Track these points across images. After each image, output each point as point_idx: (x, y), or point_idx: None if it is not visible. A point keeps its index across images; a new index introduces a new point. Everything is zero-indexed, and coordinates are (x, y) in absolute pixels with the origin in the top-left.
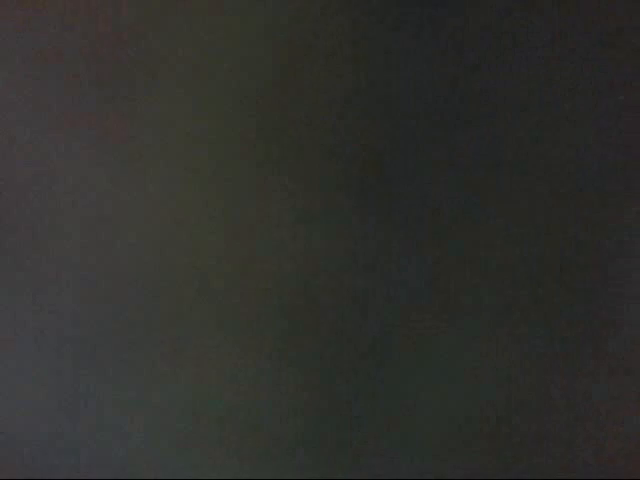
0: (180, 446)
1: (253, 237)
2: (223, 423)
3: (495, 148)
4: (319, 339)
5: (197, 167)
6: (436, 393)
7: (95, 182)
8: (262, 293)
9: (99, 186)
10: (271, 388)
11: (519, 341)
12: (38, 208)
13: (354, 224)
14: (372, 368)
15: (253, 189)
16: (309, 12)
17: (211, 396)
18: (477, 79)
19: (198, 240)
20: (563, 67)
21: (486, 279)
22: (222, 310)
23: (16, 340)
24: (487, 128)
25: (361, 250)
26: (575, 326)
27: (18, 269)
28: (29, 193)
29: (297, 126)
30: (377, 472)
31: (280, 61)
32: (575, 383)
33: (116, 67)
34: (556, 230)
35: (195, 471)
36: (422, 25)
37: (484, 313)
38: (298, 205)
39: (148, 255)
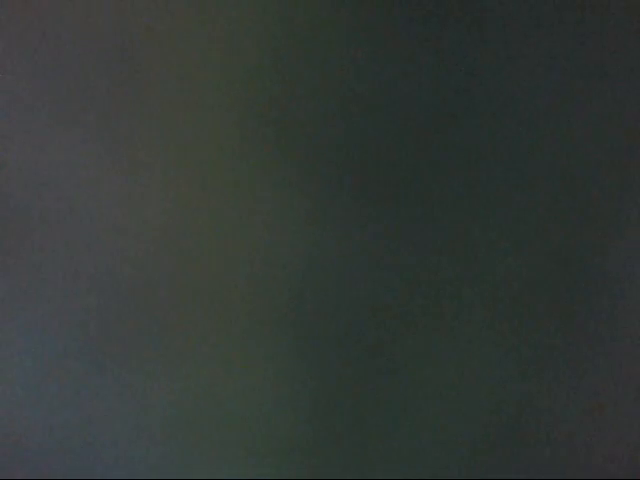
0: (180, 446)
1: (254, 237)
2: (223, 423)
3: (494, 148)
4: (320, 339)
5: (198, 167)
6: (437, 393)
7: (95, 182)
8: (262, 293)
9: (99, 186)
10: (271, 388)
11: (519, 342)
12: (38, 208)
13: (355, 224)
14: (372, 368)
15: (254, 189)
16: (309, 12)
17: (212, 396)
18: (477, 79)
19: (198, 240)
20: (564, 68)
21: (487, 280)
22: (222, 310)
23: (16, 340)
24: (487, 128)
25: (362, 251)
26: (575, 326)
27: (18, 269)
28: (29, 193)
29: (297, 127)
30: (377, 472)
31: (280, 62)
32: (575, 384)
33: (116, 67)
34: (557, 231)
35: (195, 471)
36: (421, 25)
37: (485, 315)
38: (298, 206)
39: (148, 255)
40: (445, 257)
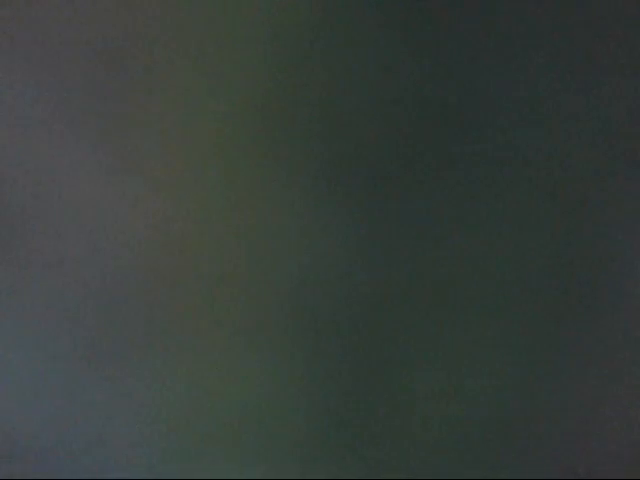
0: (180, 446)
1: (254, 237)
2: (223, 423)
3: (493, 148)
4: (320, 339)
5: (198, 168)
6: (437, 393)
7: (96, 183)
8: (263, 293)
9: (100, 187)
10: (271, 388)
11: (519, 342)
12: (38, 209)
13: (355, 224)
14: (373, 368)
15: (254, 189)
16: (310, 13)
17: (212, 396)
18: (476, 80)
19: (199, 241)
20: (563, 69)
21: (486, 280)
22: (223, 310)
23: (16, 340)
24: (486, 128)
25: (363, 251)
26: (575, 326)
27: (18, 269)
28: (29, 194)
29: (298, 128)
30: (378, 472)
31: (282, 63)
32: (575, 383)
33: (117, 68)
34: (557, 231)
35: (195, 471)
36: (422, 26)
37: (484, 314)
38: (299, 206)
39: (149, 255)
40: (445, 257)
